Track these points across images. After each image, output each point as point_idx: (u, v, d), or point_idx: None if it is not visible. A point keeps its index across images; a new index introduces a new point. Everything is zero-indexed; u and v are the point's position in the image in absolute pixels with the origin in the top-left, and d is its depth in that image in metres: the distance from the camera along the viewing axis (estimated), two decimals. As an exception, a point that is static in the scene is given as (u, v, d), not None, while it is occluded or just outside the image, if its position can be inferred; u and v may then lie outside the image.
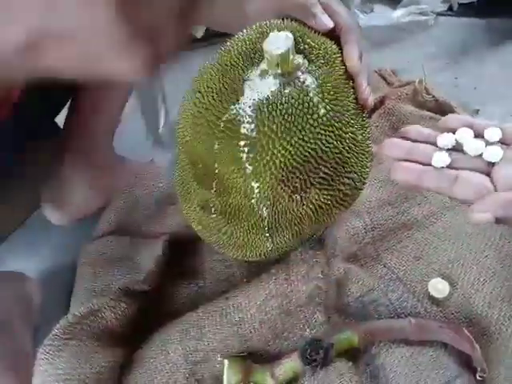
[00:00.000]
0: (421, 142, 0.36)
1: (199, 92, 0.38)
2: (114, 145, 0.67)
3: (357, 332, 0.40)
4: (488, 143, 0.33)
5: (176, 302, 0.49)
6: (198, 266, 0.52)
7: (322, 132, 0.34)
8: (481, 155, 0.33)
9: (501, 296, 0.42)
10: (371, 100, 0.39)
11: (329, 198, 0.37)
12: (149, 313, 0.47)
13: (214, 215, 0.40)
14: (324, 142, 0.35)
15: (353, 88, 0.38)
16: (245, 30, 0.39)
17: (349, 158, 0.37)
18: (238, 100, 0.35)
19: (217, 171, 0.37)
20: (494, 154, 0.33)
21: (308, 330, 0.42)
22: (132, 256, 0.54)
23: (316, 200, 0.37)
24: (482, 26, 0.93)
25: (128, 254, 0.54)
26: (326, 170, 0.36)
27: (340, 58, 0.38)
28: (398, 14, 0.92)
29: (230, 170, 0.36)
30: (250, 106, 0.35)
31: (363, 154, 0.39)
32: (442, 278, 0.45)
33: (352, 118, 0.37)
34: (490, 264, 0.44)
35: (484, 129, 0.34)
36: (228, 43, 0.39)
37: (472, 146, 0.33)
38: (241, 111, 0.35)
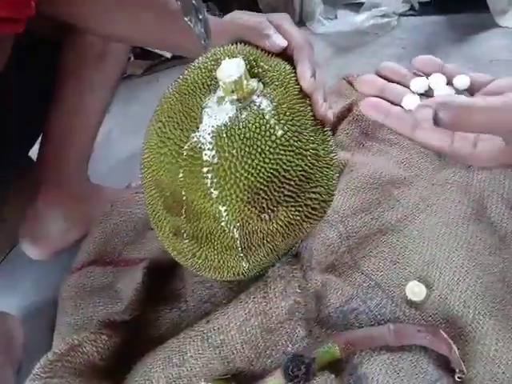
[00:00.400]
0: (395, 81, 0.36)
1: (160, 121, 0.38)
2: (88, 173, 0.67)
3: (338, 343, 0.41)
4: (457, 91, 0.34)
5: (159, 328, 0.49)
6: (179, 290, 0.52)
7: (282, 152, 0.35)
8: None
9: (475, 294, 0.42)
10: (330, 114, 0.39)
11: (297, 213, 0.38)
12: (131, 342, 0.47)
13: (187, 240, 0.40)
14: (285, 161, 0.35)
15: (310, 105, 0.38)
16: (200, 58, 0.40)
17: (312, 173, 0.38)
18: (197, 128, 0.36)
19: (184, 198, 0.37)
20: None
21: (290, 346, 0.42)
22: (113, 285, 0.54)
23: (285, 217, 0.38)
24: (444, 22, 0.96)
25: (109, 283, 0.54)
26: (291, 188, 0.37)
27: (294, 78, 0.38)
28: (361, 18, 0.94)
29: (196, 197, 0.36)
30: (209, 133, 0.35)
31: (327, 168, 0.40)
32: (419, 281, 0.46)
33: (311, 135, 0.38)
34: (462, 263, 0.45)
35: (455, 76, 0.35)
36: (185, 71, 0.40)
37: (442, 92, 0.34)
38: (201, 138, 0.36)
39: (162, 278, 0.54)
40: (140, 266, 0.53)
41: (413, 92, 0.35)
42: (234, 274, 0.42)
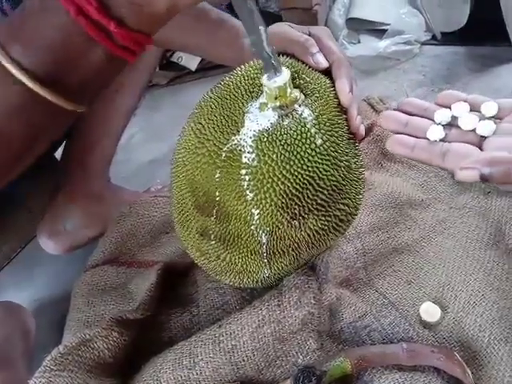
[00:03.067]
0: (417, 115, 0.37)
1: (200, 123, 0.39)
2: (110, 174, 0.68)
3: (350, 359, 0.40)
4: (482, 118, 0.34)
5: (170, 330, 0.49)
6: (192, 295, 0.52)
7: (320, 161, 0.36)
8: (474, 130, 0.34)
9: (491, 319, 0.42)
10: (362, 129, 0.41)
11: (325, 223, 0.39)
12: (141, 342, 0.47)
13: (213, 242, 0.41)
14: (321, 170, 0.36)
15: (346, 120, 0.40)
16: (243, 66, 0.42)
17: (344, 185, 0.39)
18: (238, 131, 0.37)
19: (217, 199, 0.38)
20: (486, 128, 0.34)
21: (301, 357, 0.42)
22: (126, 285, 0.54)
23: (314, 226, 0.38)
24: (465, 53, 0.97)
25: (122, 283, 0.55)
26: (323, 197, 0.37)
27: (333, 92, 0.40)
28: (384, 45, 0.95)
29: (231, 198, 0.37)
30: (250, 137, 0.36)
31: (356, 181, 0.41)
32: (434, 302, 0.46)
33: (346, 147, 0.39)
34: (479, 287, 0.44)
35: (480, 104, 0.35)
36: (227, 78, 0.41)
37: (466, 120, 0.34)
38: (242, 141, 0.37)
39: (175, 282, 0.54)
40: (154, 267, 0.53)
41: (436, 123, 0.36)
42: (253, 280, 0.43)
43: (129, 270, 0.56)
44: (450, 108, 0.36)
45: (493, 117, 0.35)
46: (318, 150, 0.36)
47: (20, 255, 0.64)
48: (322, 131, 0.37)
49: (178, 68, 1.10)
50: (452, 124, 0.35)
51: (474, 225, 0.51)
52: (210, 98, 0.40)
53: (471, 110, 0.36)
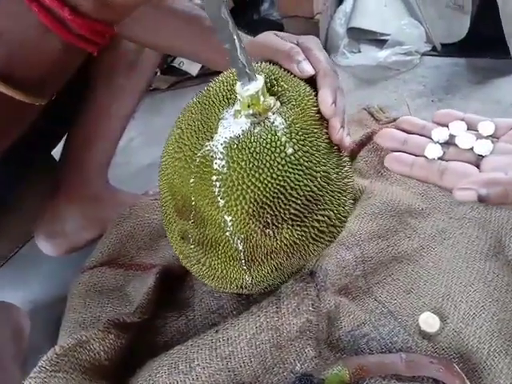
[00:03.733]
0: (415, 133, 0.37)
1: (180, 128, 0.40)
2: (109, 177, 0.68)
3: (348, 367, 0.40)
4: (479, 137, 0.35)
5: (165, 334, 0.49)
6: (188, 299, 0.52)
7: (291, 170, 0.36)
8: (472, 148, 0.34)
9: (490, 331, 0.42)
10: (347, 141, 0.39)
11: (303, 233, 0.38)
12: (138, 345, 0.46)
13: (193, 246, 0.41)
14: (293, 179, 0.36)
15: (326, 129, 0.39)
16: (225, 72, 0.42)
17: (321, 195, 0.38)
18: (212, 137, 0.37)
19: (193, 203, 0.38)
20: (484, 147, 0.34)
21: (299, 365, 0.41)
22: (123, 288, 0.54)
23: (290, 236, 0.38)
24: (465, 65, 0.98)
25: (119, 285, 0.54)
26: (297, 207, 0.37)
27: (312, 100, 0.39)
28: (384, 55, 0.96)
29: (204, 203, 0.37)
30: (222, 144, 0.36)
31: (339, 193, 0.40)
32: (433, 313, 0.45)
33: (324, 158, 0.38)
34: (478, 298, 0.44)
35: (477, 123, 0.35)
36: (209, 84, 0.42)
37: (464, 139, 0.35)
38: (214, 148, 0.37)
39: (173, 285, 0.54)
40: (152, 271, 0.53)
41: (434, 142, 0.36)
42: (237, 286, 0.42)
43: (127, 273, 0.55)
44: (447, 126, 0.36)
45: (490, 136, 0.35)
46: (288, 159, 0.35)
47: (15, 256, 0.63)
48: (293, 140, 0.36)
49: (179, 73, 1.11)
50: (449, 142, 0.36)
51: (474, 236, 0.51)
52: (192, 103, 0.40)
53: (468, 129, 0.36)
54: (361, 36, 1.07)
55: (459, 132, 0.35)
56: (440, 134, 0.36)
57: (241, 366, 0.41)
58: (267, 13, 1.19)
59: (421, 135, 0.37)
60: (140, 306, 0.47)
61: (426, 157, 0.35)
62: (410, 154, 0.36)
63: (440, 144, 0.35)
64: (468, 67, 0.97)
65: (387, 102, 0.87)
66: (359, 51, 1.05)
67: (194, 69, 1.08)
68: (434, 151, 0.35)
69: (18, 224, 0.61)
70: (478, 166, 0.34)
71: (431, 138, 0.37)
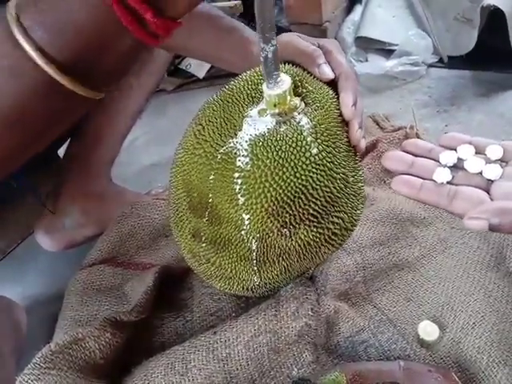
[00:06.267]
0: (422, 156, 0.37)
1: (200, 125, 0.39)
2: (112, 175, 0.68)
3: (345, 373, 0.40)
4: (488, 161, 0.34)
5: (162, 334, 0.48)
6: (186, 300, 0.52)
7: (314, 170, 0.36)
8: (481, 173, 0.34)
9: (490, 341, 0.41)
10: (363, 143, 0.40)
11: (317, 235, 0.38)
12: (134, 345, 0.46)
13: (204, 244, 0.40)
14: (315, 179, 0.36)
15: (346, 132, 0.39)
16: (248, 72, 0.42)
17: (339, 197, 0.38)
18: (236, 134, 0.37)
19: (210, 201, 0.38)
20: (493, 171, 0.33)
21: (296, 370, 0.41)
22: (121, 286, 0.53)
23: (305, 236, 0.38)
24: (471, 77, 0.98)
25: (117, 284, 0.54)
26: (316, 208, 0.37)
27: (335, 103, 0.40)
28: (391, 64, 0.96)
29: (222, 201, 0.37)
30: (246, 141, 0.36)
31: (354, 196, 0.40)
32: (432, 321, 0.45)
33: (344, 160, 0.38)
34: (478, 308, 0.44)
35: (485, 146, 0.35)
36: (232, 82, 0.41)
37: (472, 163, 0.34)
38: (238, 145, 0.36)
39: (171, 286, 0.54)
40: (151, 270, 0.52)
41: (442, 165, 0.35)
42: (243, 287, 0.42)
43: (125, 272, 0.55)
44: (455, 150, 0.36)
45: (498, 160, 0.35)
46: (312, 159, 0.35)
47: (13, 251, 0.63)
48: (318, 140, 0.36)
49: (186, 75, 1.11)
50: (457, 166, 0.35)
51: (475, 246, 0.51)
52: (214, 100, 0.40)
53: (476, 153, 0.36)
54: (368, 45, 1.08)
55: (468, 156, 0.35)
56: (448, 157, 0.35)
57: (237, 369, 0.40)
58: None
59: (428, 158, 0.37)
60: (137, 305, 0.46)
61: (434, 180, 0.35)
62: (417, 176, 0.36)
63: (448, 168, 0.35)
64: (474, 80, 0.97)
65: (392, 111, 0.87)
66: (366, 60, 1.06)
67: (201, 71, 1.09)
68: (443, 175, 0.34)
69: (18, 219, 0.61)
70: (487, 191, 0.33)
71: (438, 161, 0.36)
